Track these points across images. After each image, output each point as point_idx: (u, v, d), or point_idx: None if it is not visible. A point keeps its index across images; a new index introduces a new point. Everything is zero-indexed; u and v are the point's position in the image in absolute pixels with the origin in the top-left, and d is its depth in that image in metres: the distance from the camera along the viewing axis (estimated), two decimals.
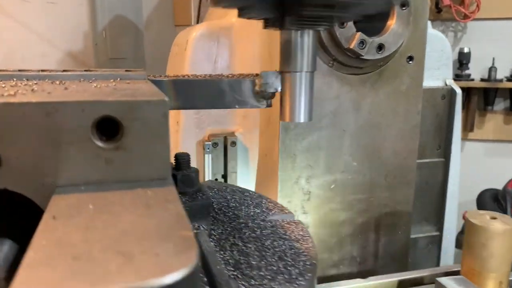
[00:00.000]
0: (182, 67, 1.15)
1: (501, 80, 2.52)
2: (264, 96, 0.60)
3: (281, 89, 0.60)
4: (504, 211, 2.24)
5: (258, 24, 1.13)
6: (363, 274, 1.18)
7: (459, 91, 1.25)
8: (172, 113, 1.18)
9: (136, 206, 0.29)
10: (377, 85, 1.09)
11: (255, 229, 0.54)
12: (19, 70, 0.53)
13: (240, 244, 0.49)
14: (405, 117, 1.12)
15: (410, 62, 1.10)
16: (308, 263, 0.45)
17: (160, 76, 0.59)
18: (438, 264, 1.34)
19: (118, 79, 0.50)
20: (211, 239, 0.50)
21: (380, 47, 1.00)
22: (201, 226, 0.53)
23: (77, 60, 2.70)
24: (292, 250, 0.48)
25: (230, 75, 0.62)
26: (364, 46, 0.98)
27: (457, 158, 1.28)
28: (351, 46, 0.97)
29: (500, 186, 2.38)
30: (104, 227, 0.26)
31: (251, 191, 0.70)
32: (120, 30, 3.03)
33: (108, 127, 0.33)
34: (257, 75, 0.62)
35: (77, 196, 0.31)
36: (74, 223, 0.26)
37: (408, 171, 1.16)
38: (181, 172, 0.57)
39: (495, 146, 2.62)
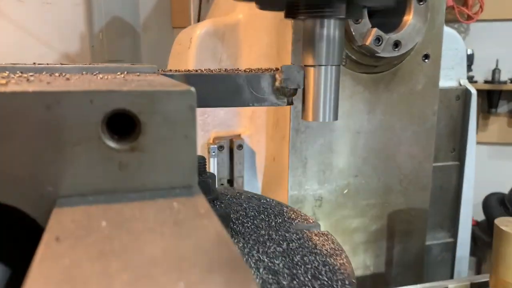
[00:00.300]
0: (186, 66, 1.09)
1: (505, 82, 2.48)
2: (284, 93, 0.54)
3: (304, 85, 0.54)
4: (510, 214, 2.19)
5: (265, 20, 1.07)
6: (377, 283, 1.12)
7: (474, 92, 1.20)
8: None
9: (162, 223, 0.23)
10: (391, 85, 1.04)
11: (281, 242, 0.48)
12: (12, 64, 0.47)
13: (266, 260, 0.43)
14: (420, 118, 1.07)
15: (426, 60, 1.04)
16: (347, 282, 0.39)
17: (170, 70, 0.53)
18: (452, 273, 1.28)
19: (126, 72, 0.44)
20: None
21: (397, 44, 0.95)
22: None
23: (73, 62, 2.64)
24: (326, 267, 0.42)
25: (248, 70, 0.57)
26: (380, 42, 0.92)
27: (472, 161, 1.22)
28: (367, 43, 0.91)
29: (505, 190, 2.33)
30: (126, 252, 0.19)
31: (267, 197, 0.64)
32: (117, 32, 2.97)
33: (122, 124, 0.27)
34: (277, 69, 0.56)
35: (85, 210, 0.25)
36: (85, 246, 0.20)
37: (424, 176, 1.10)
38: (198, 178, 0.51)
39: (499, 149, 2.58)
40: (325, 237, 0.51)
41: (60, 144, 0.26)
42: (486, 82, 2.50)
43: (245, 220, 0.54)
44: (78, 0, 2.62)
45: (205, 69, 0.55)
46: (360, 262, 1.10)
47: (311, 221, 0.56)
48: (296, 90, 0.55)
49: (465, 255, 1.28)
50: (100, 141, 0.27)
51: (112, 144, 0.27)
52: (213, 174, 0.54)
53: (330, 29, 0.52)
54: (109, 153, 0.27)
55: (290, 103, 0.56)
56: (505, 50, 2.48)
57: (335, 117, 0.55)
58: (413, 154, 1.08)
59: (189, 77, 0.51)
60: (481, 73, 2.53)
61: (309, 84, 0.54)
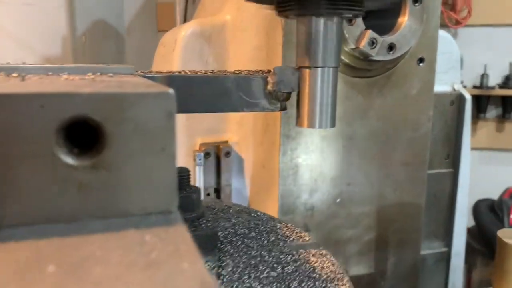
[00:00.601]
0: (170, 69, 1.03)
1: (493, 87, 2.48)
2: (277, 97, 0.49)
3: (299, 89, 0.49)
4: (500, 221, 2.18)
5: (254, 21, 1.02)
6: None
7: (468, 97, 1.16)
8: None
9: (129, 266, 0.17)
10: (385, 90, 1.00)
11: (275, 265, 0.43)
12: None
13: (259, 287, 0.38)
14: (415, 124, 1.03)
15: (421, 64, 1.01)
16: None
17: (150, 72, 0.48)
18: (446, 284, 1.25)
19: (99, 73, 0.39)
20: (220, 281, 0.38)
21: (391, 47, 0.91)
22: (206, 264, 0.42)
23: (54, 65, 2.55)
24: None
25: (237, 71, 0.51)
26: (374, 45, 0.88)
27: (466, 169, 1.19)
28: (361, 46, 0.87)
29: (494, 195, 2.32)
30: None
31: (259, 211, 0.58)
32: (100, 35, 2.91)
33: (83, 135, 0.22)
34: (269, 71, 0.51)
35: (33, 246, 0.19)
36: None
37: (419, 183, 1.06)
38: (180, 193, 0.46)
39: (488, 154, 2.57)
40: (324, 258, 0.46)
41: (3, 161, 0.21)
42: (474, 87, 2.50)
43: (234, 239, 0.48)
44: (60, 2, 2.55)
45: (189, 71, 0.50)
46: (353, 273, 1.05)
47: (307, 238, 0.51)
48: (290, 94, 0.50)
49: (460, 265, 1.25)
50: (54, 156, 0.21)
51: (69, 160, 0.21)
52: (198, 189, 0.49)
53: (327, 27, 0.47)
54: (66, 172, 0.21)
55: (283, 108, 0.51)
56: (493, 55, 2.47)
57: (333, 124, 0.50)
58: (408, 161, 1.04)
59: (171, 79, 0.46)
60: (470, 78, 2.52)
61: (304, 87, 0.49)
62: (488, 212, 2.19)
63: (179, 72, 0.49)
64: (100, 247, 0.19)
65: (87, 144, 0.22)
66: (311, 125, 0.50)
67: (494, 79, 2.50)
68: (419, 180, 1.06)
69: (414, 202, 1.06)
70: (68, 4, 2.62)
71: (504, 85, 2.48)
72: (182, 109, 0.49)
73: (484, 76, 2.48)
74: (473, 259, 2.19)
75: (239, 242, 0.48)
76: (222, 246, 0.47)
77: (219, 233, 0.49)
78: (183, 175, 0.47)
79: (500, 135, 2.59)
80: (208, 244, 0.44)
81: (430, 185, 1.17)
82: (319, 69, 0.48)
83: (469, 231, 2.33)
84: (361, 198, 1.02)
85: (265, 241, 0.49)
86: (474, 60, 2.46)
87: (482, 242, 2.18)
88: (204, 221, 0.46)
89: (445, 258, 1.24)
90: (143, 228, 0.21)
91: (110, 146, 0.22)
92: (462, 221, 1.21)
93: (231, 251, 0.46)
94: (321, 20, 0.47)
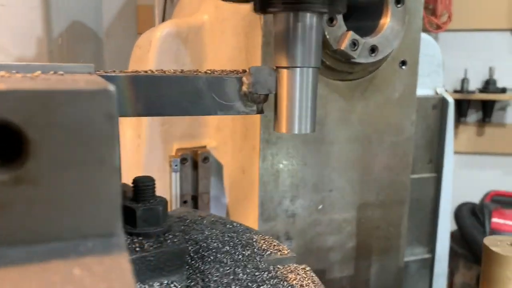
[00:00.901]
0: None
1: (473, 92, 2.50)
2: (253, 99, 0.46)
3: (276, 91, 0.46)
4: (482, 225, 2.18)
5: (232, 22, 0.99)
6: None
7: (451, 100, 1.15)
8: (132, 124, 1.01)
9: None
10: (367, 93, 0.97)
11: (249, 283, 0.39)
12: None
13: None
14: (398, 129, 1.01)
15: (403, 67, 0.99)
16: None
17: (113, 71, 0.44)
18: None
19: (51, 72, 0.35)
20: None
21: (373, 49, 0.88)
22: (172, 284, 0.38)
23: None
24: None
25: (209, 71, 0.48)
26: (356, 47, 0.86)
27: (449, 173, 1.18)
28: (342, 47, 0.84)
29: (474, 199, 2.33)
30: None
31: (235, 222, 0.55)
32: (78, 37, 2.83)
33: (2, 142, 0.18)
34: (244, 71, 0.48)
35: None
36: None
37: (402, 189, 1.04)
38: (143, 204, 0.42)
39: (469, 158, 2.59)
40: (304, 274, 0.43)
41: None
42: (455, 91, 2.51)
43: (206, 254, 0.44)
44: (35, 3, 2.48)
45: (156, 70, 0.46)
46: (336, 282, 1.02)
47: (286, 251, 0.48)
48: (267, 96, 0.47)
49: (443, 272, 1.23)
50: None
51: None
52: (163, 200, 0.44)
53: (306, 24, 0.44)
54: None
55: (260, 111, 0.47)
56: (474, 60, 2.50)
57: (313, 128, 0.47)
58: (390, 166, 1.02)
59: (135, 80, 0.42)
60: (450, 82, 2.54)
61: (282, 89, 0.45)
62: (470, 216, 2.20)
63: (145, 71, 0.45)
64: (12, 285, 0.15)
65: (9, 154, 0.18)
66: (289, 129, 0.46)
67: (474, 84, 2.52)
68: (402, 186, 1.04)
69: (398, 208, 1.04)
70: (44, 5, 2.55)
71: (484, 89, 2.50)
72: (149, 112, 0.45)
73: (464, 81, 2.50)
74: (455, 263, 2.19)
75: (211, 258, 0.44)
76: (193, 262, 0.43)
77: (189, 248, 0.45)
78: (148, 184, 0.43)
79: (481, 139, 2.61)
80: (175, 262, 0.40)
81: (413, 190, 1.15)
82: (298, 69, 0.45)
83: (451, 235, 2.34)
84: (344, 204, 0.99)
85: (240, 256, 0.45)
86: (454, 65, 2.48)
87: (464, 245, 2.19)
88: (171, 236, 0.41)
89: (429, 265, 1.22)
90: (74, 257, 0.17)
91: (35, 156, 0.18)
92: (445, 226, 1.20)
93: (202, 268, 0.42)
94: (300, 16, 0.43)
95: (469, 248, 2.17)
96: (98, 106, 0.18)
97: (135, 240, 0.41)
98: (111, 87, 0.19)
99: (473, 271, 2.24)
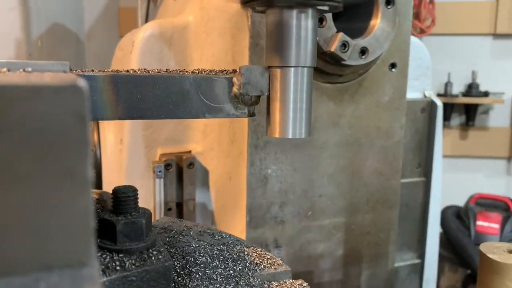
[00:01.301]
0: None
1: (457, 96, 2.51)
2: (244, 101, 0.42)
3: (268, 92, 0.42)
4: (467, 228, 2.19)
5: (218, 22, 0.96)
6: None
7: (440, 104, 1.14)
8: (114, 129, 0.97)
9: None
10: (357, 96, 0.95)
11: None
12: None
13: None
14: (388, 132, 0.99)
15: (393, 69, 0.97)
16: None
17: (92, 70, 0.40)
18: None
19: (21, 70, 0.31)
20: None
21: (364, 51, 0.86)
22: None
23: None
24: None
25: (197, 71, 0.44)
26: (346, 49, 0.83)
27: (438, 177, 1.16)
28: (332, 49, 0.82)
29: (458, 202, 2.34)
30: None
31: (224, 233, 0.51)
32: (58, 39, 2.77)
33: None
34: (235, 71, 0.45)
35: None
36: None
37: (392, 193, 1.02)
38: (124, 217, 0.38)
39: (452, 161, 2.60)
40: None
41: None
42: (439, 95, 2.52)
43: (193, 269, 0.41)
44: (13, 4, 2.40)
45: (139, 69, 0.43)
46: None
47: (280, 265, 0.44)
48: (258, 97, 0.44)
49: (433, 277, 1.21)
50: None
51: None
52: (147, 211, 0.41)
53: (301, 20, 0.41)
54: None
55: (251, 114, 0.44)
56: (457, 64, 2.51)
57: (308, 132, 0.44)
58: (380, 170, 1.00)
59: (116, 79, 0.38)
60: (434, 86, 2.54)
61: (275, 90, 0.42)
62: (455, 219, 2.20)
63: (127, 71, 0.42)
64: None
65: None
66: (283, 134, 0.43)
67: (458, 87, 2.54)
68: (392, 190, 1.02)
69: (388, 213, 1.02)
70: (22, 6, 2.48)
71: (467, 93, 2.52)
72: (131, 115, 0.42)
73: (448, 84, 2.51)
74: (441, 266, 2.19)
75: (200, 274, 0.40)
76: (179, 279, 0.40)
77: (176, 263, 0.42)
78: (129, 195, 0.40)
79: (464, 142, 2.63)
80: (160, 281, 0.36)
81: (402, 194, 1.13)
82: (292, 68, 0.42)
83: None
84: (333, 210, 0.96)
85: (231, 271, 0.41)
86: (438, 69, 2.49)
87: (449, 248, 2.19)
88: (155, 252, 0.38)
89: (418, 270, 1.20)
90: None
91: None
92: (434, 231, 1.18)
93: (190, 285, 0.38)
94: (294, 12, 0.41)
95: (455, 251, 2.17)
96: (65, 105, 0.14)
97: (115, 258, 0.37)
98: (81, 83, 0.15)
99: (459, 274, 2.24)
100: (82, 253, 0.15)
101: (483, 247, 0.67)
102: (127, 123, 0.92)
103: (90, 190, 0.15)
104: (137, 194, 0.41)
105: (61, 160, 0.15)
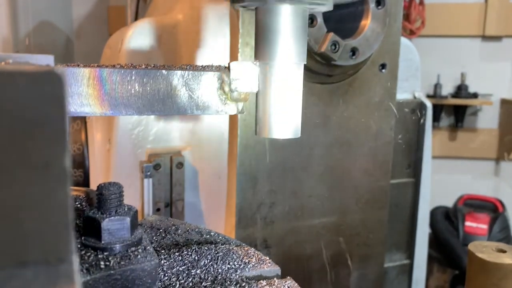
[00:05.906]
0: None
1: (446, 97, 2.53)
2: (234, 98, 0.42)
3: (258, 89, 0.42)
4: (455, 228, 2.21)
5: (208, 21, 0.95)
6: None
7: (429, 105, 1.14)
8: (102, 128, 0.96)
9: None
10: (347, 97, 0.95)
11: None
12: None
13: None
14: (377, 133, 0.99)
15: (383, 70, 0.97)
16: None
17: (77, 64, 0.39)
18: None
19: (2, 62, 0.30)
20: None
21: (354, 51, 0.86)
22: None
23: None
24: None
25: (185, 66, 0.43)
26: (336, 49, 0.83)
27: (427, 178, 1.17)
28: (322, 49, 0.82)
29: (447, 203, 2.36)
30: None
31: (212, 231, 0.51)
32: (46, 37, 2.74)
33: None
34: (224, 67, 0.44)
35: None
36: None
37: (382, 194, 1.02)
38: (109, 214, 0.37)
39: (441, 162, 2.62)
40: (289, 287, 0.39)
41: None
42: (428, 96, 2.54)
43: (181, 269, 0.40)
44: (0, 1, 2.37)
45: (125, 64, 0.42)
46: None
47: (269, 264, 0.44)
48: (248, 94, 0.43)
49: (422, 278, 1.22)
50: None
51: None
52: (133, 208, 0.40)
53: (291, 15, 0.40)
54: None
55: (241, 111, 0.44)
56: (446, 66, 2.53)
57: (297, 132, 0.43)
58: (370, 171, 1.00)
59: (102, 74, 0.37)
60: (423, 87, 2.57)
61: (265, 87, 0.42)
62: (443, 220, 2.22)
63: (113, 65, 0.41)
64: None
65: None
66: (272, 133, 0.43)
67: (447, 89, 2.56)
68: (382, 191, 1.02)
69: (378, 214, 1.02)
70: (10, 3, 2.44)
71: (456, 94, 2.54)
72: (116, 111, 0.41)
73: (437, 86, 2.53)
74: (429, 266, 2.21)
75: (186, 273, 0.40)
76: (166, 278, 0.39)
77: (162, 262, 0.41)
78: (115, 193, 0.39)
79: (453, 143, 2.65)
80: (145, 280, 0.35)
81: (392, 195, 1.13)
82: (282, 65, 0.41)
83: None
84: (323, 210, 0.96)
85: (218, 270, 0.41)
86: (427, 70, 2.51)
87: (437, 249, 2.20)
88: (141, 250, 0.37)
89: (407, 271, 1.21)
90: None
91: None
92: (424, 232, 1.19)
93: (177, 286, 0.38)
94: (283, 8, 0.40)
95: (443, 251, 2.19)
96: (41, 92, 0.14)
97: (100, 256, 0.36)
98: (59, 70, 0.15)
99: (447, 275, 2.26)
100: (58, 249, 0.14)
101: (471, 246, 0.67)
102: (115, 122, 0.91)
103: (68, 183, 0.15)
104: (122, 191, 0.40)
105: (36, 150, 0.14)
